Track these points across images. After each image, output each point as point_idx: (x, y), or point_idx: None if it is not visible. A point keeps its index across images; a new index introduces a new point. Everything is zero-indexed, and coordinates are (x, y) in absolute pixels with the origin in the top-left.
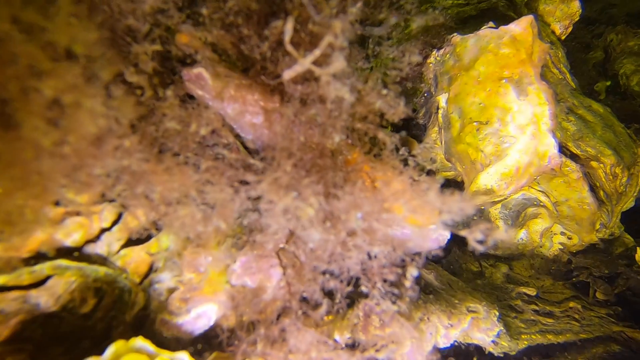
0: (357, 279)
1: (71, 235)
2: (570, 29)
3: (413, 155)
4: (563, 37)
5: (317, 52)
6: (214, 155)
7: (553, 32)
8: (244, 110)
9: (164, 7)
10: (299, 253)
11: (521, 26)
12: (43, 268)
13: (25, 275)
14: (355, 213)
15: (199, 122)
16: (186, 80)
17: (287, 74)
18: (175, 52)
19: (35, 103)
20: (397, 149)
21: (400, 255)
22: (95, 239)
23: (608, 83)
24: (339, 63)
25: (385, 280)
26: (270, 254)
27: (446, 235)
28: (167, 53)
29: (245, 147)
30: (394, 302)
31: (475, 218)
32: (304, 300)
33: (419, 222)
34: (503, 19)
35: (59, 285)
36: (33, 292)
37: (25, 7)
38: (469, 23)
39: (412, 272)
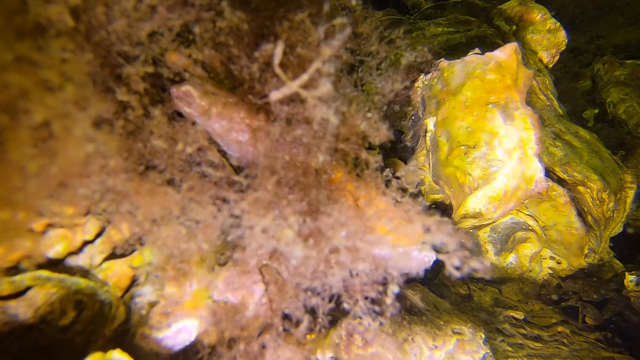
0: (339, 296)
1: (53, 246)
2: (557, 58)
3: (397, 177)
4: (550, 65)
5: (305, 77)
6: (199, 172)
7: (540, 60)
8: (230, 127)
9: (159, 31)
10: (281, 269)
11: (506, 53)
12: (23, 279)
13: (4, 285)
14: (339, 231)
15: (186, 139)
16: (174, 98)
17: (275, 95)
18: (165, 71)
19: (24, 128)
20: (382, 170)
21: (382, 273)
22: (78, 251)
23: (596, 111)
24: (325, 87)
25: (366, 298)
26: (253, 270)
27: (431, 256)
28: (157, 71)
29: (230, 164)
30: (375, 319)
31: (464, 242)
32: (286, 317)
33: (402, 242)
34: (491, 47)
35: (39, 297)
36: (12, 303)
37: (19, 39)
38: (458, 50)
39: (394, 289)
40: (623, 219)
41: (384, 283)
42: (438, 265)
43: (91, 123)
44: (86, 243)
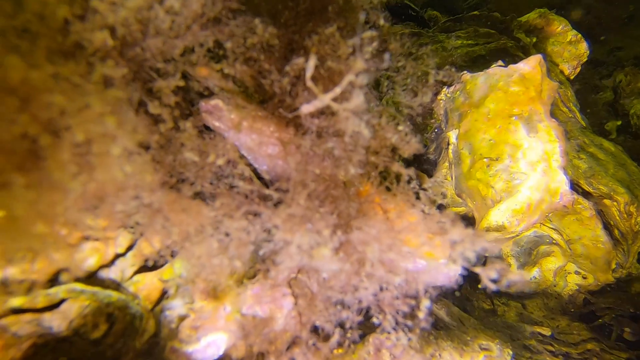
0: (369, 310)
1: (87, 259)
2: (578, 69)
3: (424, 189)
4: (572, 77)
5: (338, 90)
6: (229, 186)
7: (562, 72)
8: (260, 141)
9: (190, 46)
10: (311, 283)
11: (530, 65)
12: (58, 291)
13: (40, 298)
14: (371, 244)
15: (216, 152)
16: (203, 112)
17: (306, 109)
18: (195, 85)
19: (66, 146)
20: (409, 182)
21: (413, 286)
22: (110, 264)
23: (619, 122)
24: (357, 100)
25: (397, 312)
26: (282, 283)
27: (458, 269)
28: (187, 85)
29: (260, 178)
30: (405, 335)
31: (487, 256)
32: (314, 330)
33: (431, 255)
34: (512, 59)
35: (73, 309)
36: (47, 315)
37: (66, 62)
38: (478, 62)
39: (426, 303)
40: None
41: (415, 297)
42: (461, 279)
43: (129, 143)
44: (118, 256)
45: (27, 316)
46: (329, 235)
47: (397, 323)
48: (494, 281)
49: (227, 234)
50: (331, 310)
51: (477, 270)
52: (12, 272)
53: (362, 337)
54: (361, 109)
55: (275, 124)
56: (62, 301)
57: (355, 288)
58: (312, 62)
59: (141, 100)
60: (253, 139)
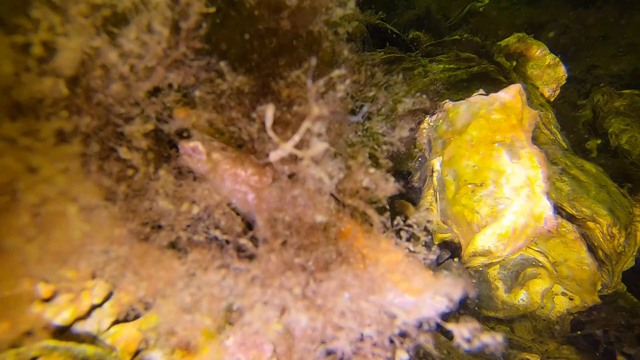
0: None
1: (61, 313)
2: (558, 92)
3: (409, 225)
4: (552, 99)
5: (296, 138)
6: (205, 234)
7: (542, 95)
8: (235, 187)
9: (159, 87)
10: (291, 329)
11: (510, 94)
12: (29, 350)
13: (10, 358)
14: (344, 293)
15: (192, 198)
16: (182, 153)
17: (273, 156)
18: (172, 126)
19: (20, 209)
20: (392, 219)
21: (393, 331)
22: (86, 316)
23: (598, 141)
24: (318, 147)
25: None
26: (262, 330)
27: (444, 302)
28: (163, 127)
29: (242, 219)
30: None
31: (474, 281)
32: None
33: (415, 290)
34: (493, 83)
35: None
36: None
37: (11, 122)
38: (459, 86)
39: (402, 355)
40: (635, 253)
41: (404, 334)
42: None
43: (91, 198)
44: (94, 307)
45: None
46: (300, 291)
47: None
48: (467, 340)
49: (199, 289)
50: (311, 358)
51: (451, 327)
52: None
53: None
54: (324, 155)
55: (252, 167)
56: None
57: (332, 338)
58: (270, 112)
59: (110, 147)
60: (230, 183)
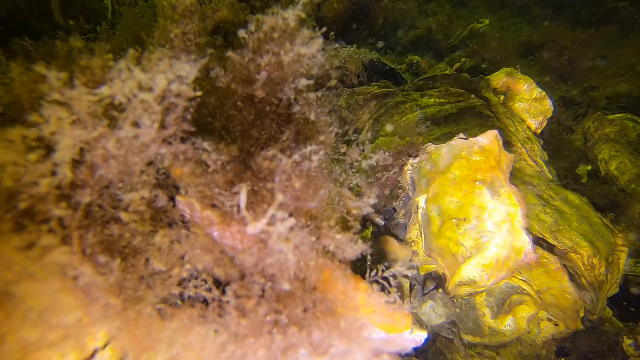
0: None
1: (66, 357)
2: (544, 124)
3: (385, 278)
4: (539, 132)
5: (263, 222)
6: (192, 294)
7: (529, 128)
8: (224, 240)
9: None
10: None
11: (488, 139)
12: None
13: None
14: (332, 340)
15: (183, 255)
16: (179, 206)
17: (249, 230)
18: (168, 183)
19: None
20: (370, 269)
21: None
22: (90, 358)
23: (589, 167)
24: (280, 228)
25: None
26: None
27: (423, 335)
28: (157, 192)
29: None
30: None
31: (458, 310)
32: None
33: (395, 328)
34: (480, 117)
35: None
36: None
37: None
38: (449, 120)
39: None
40: (618, 280)
41: None
42: (434, 334)
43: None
44: (96, 351)
45: None
46: (270, 349)
47: None
48: None
49: (183, 346)
50: None
51: None
52: None
53: None
54: (287, 233)
55: (236, 226)
56: None
57: None
58: (243, 195)
59: (109, 219)
60: (219, 235)
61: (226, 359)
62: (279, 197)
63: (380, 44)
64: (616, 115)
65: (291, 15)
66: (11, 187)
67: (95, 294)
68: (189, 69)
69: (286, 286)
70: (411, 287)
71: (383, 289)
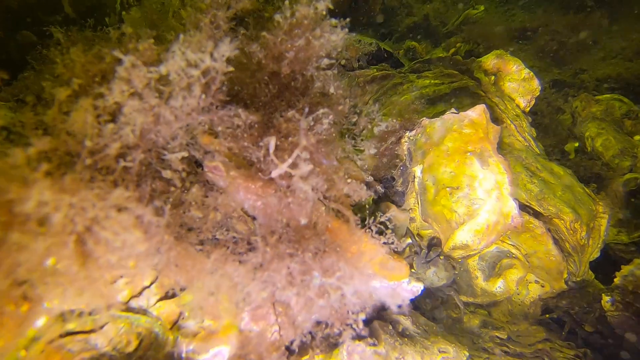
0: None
1: (122, 292)
2: (533, 102)
3: (388, 220)
4: (527, 110)
5: (289, 161)
6: (226, 231)
7: (518, 106)
8: (247, 195)
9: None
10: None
11: (476, 112)
12: (102, 317)
13: (89, 323)
14: (329, 276)
15: (215, 207)
16: (207, 171)
17: (274, 173)
18: (198, 150)
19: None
20: (374, 218)
21: (371, 303)
22: (138, 294)
23: (576, 144)
24: (304, 169)
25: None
26: (265, 305)
27: (419, 287)
28: (194, 152)
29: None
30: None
31: (456, 272)
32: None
33: (394, 277)
34: (472, 96)
35: (112, 331)
36: (93, 336)
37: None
38: (443, 99)
39: (362, 317)
40: (599, 245)
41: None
42: (430, 292)
43: (149, 215)
44: (145, 288)
45: (79, 336)
46: (291, 276)
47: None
48: None
49: (220, 276)
50: (308, 325)
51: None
52: (68, 306)
53: (337, 345)
54: (307, 175)
55: (259, 182)
56: (104, 325)
57: (320, 308)
58: (272, 142)
59: (156, 170)
60: (243, 194)
61: (255, 280)
62: (303, 141)
63: (378, 31)
64: (604, 95)
65: (322, 5)
66: (90, 147)
67: (154, 231)
68: (225, 49)
69: (304, 221)
70: (416, 255)
71: (381, 232)
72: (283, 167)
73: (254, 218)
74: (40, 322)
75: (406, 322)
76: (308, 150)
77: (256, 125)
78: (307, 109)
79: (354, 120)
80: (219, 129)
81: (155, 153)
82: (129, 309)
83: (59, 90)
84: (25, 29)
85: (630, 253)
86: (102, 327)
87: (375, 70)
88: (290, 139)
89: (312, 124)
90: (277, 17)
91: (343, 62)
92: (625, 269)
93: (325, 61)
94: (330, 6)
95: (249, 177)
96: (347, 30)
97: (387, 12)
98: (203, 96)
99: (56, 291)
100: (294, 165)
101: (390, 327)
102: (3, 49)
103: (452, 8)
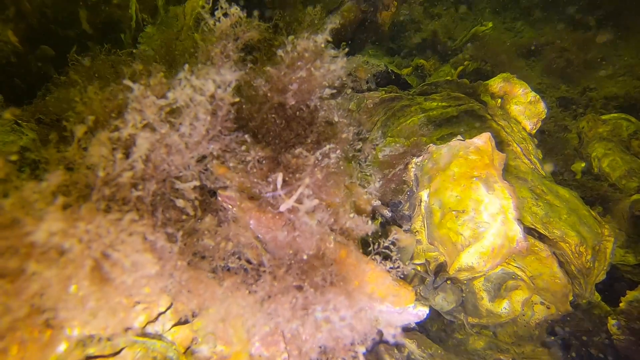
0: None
1: (138, 317)
2: (539, 125)
3: (393, 243)
4: (533, 132)
5: (294, 197)
6: (237, 260)
7: (524, 129)
8: (258, 226)
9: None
10: (301, 333)
11: (482, 140)
12: (119, 342)
13: (107, 348)
14: (332, 308)
15: (228, 235)
16: (220, 200)
17: (282, 207)
18: (212, 180)
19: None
20: (378, 245)
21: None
22: (154, 320)
23: (583, 164)
24: (308, 204)
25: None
26: (278, 332)
27: (425, 311)
28: (206, 182)
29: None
30: None
31: (463, 295)
32: None
33: (400, 303)
34: (479, 120)
35: (129, 355)
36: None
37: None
38: (451, 121)
39: (361, 349)
40: (605, 268)
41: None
42: (436, 314)
43: (161, 241)
44: (160, 314)
45: None
46: (295, 306)
47: None
48: None
49: (230, 304)
50: (314, 355)
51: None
52: (88, 331)
53: None
54: (312, 210)
55: (269, 214)
56: (121, 349)
57: (321, 339)
58: (279, 179)
59: (169, 199)
60: (255, 224)
61: (262, 311)
62: (307, 180)
63: (388, 47)
64: (611, 115)
65: (320, 39)
66: (104, 177)
67: (167, 255)
68: (230, 78)
69: (310, 252)
70: (422, 281)
71: (387, 256)
72: (289, 203)
73: (265, 245)
74: (62, 347)
75: (412, 346)
76: (315, 185)
77: (265, 161)
78: (314, 140)
79: (359, 147)
80: (230, 164)
81: (169, 183)
82: (145, 334)
83: (77, 128)
84: (44, 44)
85: (637, 275)
86: (119, 351)
87: (383, 92)
88: (297, 175)
89: (319, 158)
90: (280, 52)
91: (349, 90)
92: (631, 295)
93: (328, 91)
94: (329, 39)
95: (260, 209)
96: (346, 59)
97: (397, 28)
98: (210, 122)
99: (77, 317)
100: (300, 201)
101: (396, 351)
102: (23, 63)
103: (461, 24)
